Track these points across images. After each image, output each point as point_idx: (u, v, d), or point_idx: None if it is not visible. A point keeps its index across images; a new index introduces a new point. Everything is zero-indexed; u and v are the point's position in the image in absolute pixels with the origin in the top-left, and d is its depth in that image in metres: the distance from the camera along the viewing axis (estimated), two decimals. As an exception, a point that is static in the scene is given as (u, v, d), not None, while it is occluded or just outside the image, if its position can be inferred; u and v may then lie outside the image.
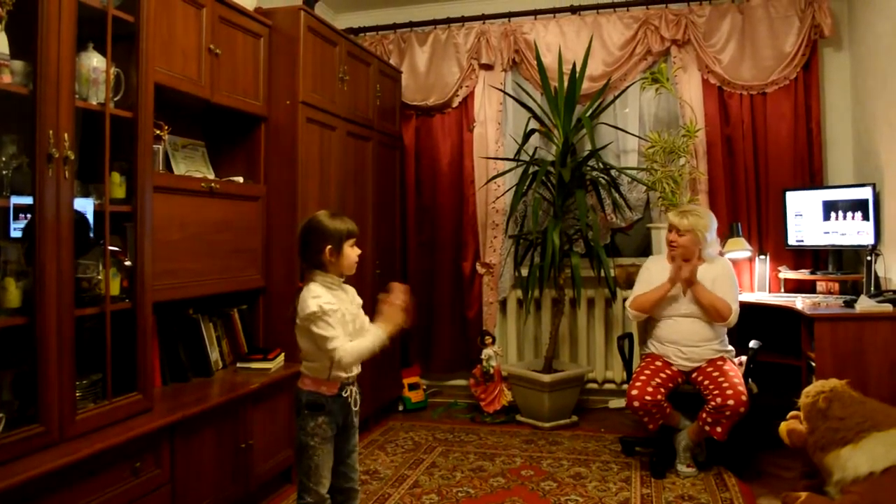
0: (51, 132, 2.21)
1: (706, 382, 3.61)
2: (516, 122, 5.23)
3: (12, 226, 2.26)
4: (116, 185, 2.60)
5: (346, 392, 2.53)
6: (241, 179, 3.59)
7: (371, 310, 2.62)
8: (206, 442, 2.88)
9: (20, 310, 2.20)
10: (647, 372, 3.69)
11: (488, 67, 5.23)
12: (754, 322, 4.15)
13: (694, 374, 3.72)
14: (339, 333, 2.41)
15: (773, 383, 4.09)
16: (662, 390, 3.62)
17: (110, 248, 2.61)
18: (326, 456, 2.48)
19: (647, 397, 3.56)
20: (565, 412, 4.67)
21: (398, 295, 2.55)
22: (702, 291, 3.72)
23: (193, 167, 3.50)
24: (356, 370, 2.56)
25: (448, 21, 5.30)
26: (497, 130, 5.21)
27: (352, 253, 2.53)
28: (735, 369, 3.66)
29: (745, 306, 3.90)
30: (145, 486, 2.52)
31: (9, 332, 2.20)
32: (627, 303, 3.97)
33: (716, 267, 3.83)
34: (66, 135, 2.26)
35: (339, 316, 2.44)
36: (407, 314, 2.54)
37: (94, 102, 2.50)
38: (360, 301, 2.64)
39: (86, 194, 2.52)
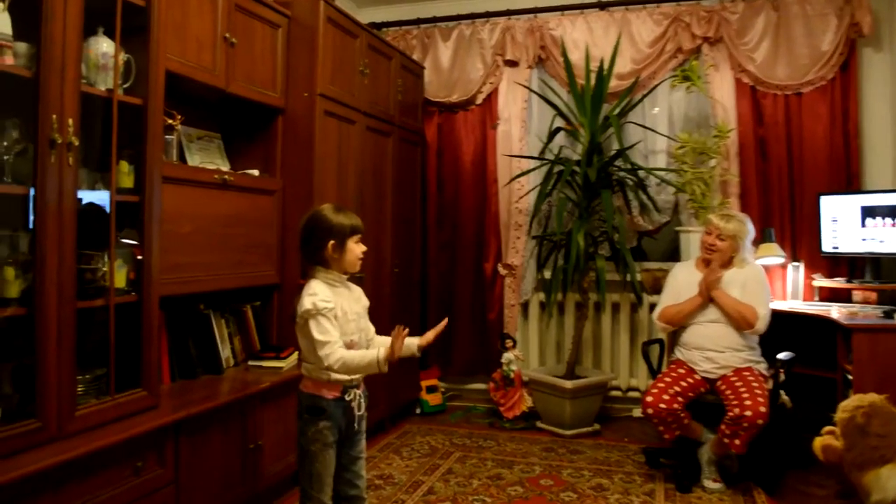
0: (54, 117, 2.13)
1: (728, 392, 3.46)
2: (541, 121, 5.09)
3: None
4: (125, 174, 2.51)
5: (349, 395, 2.41)
6: (256, 172, 3.51)
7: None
8: (213, 441, 2.78)
9: (20, 300, 2.12)
10: (667, 379, 3.57)
11: (513, 64, 5.11)
12: (786, 332, 3.98)
13: (718, 383, 3.57)
14: (334, 337, 2.28)
15: (806, 396, 3.92)
16: (680, 399, 3.48)
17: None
18: (328, 462, 2.37)
19: (662, 405, 3.43)
20: (587, 420, 4.53)
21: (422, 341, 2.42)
22: (724, 298, 3.59)
23: (208, 159, 3.42)
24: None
25: (472, 16, 5.19)
26: (521, 129, 5.09)
27: (356, 249, 2.41)
28: (760, 381, 3.48)
29: (776, 315, 3.74)
30: (147, 486, 2.44)
31: (8, 323, 2.13)
32: (655, 315, 3.85)
33: (746, 271, 3.69)
34: (70, 120, 2.18)
35: (339, 314, 2.33)
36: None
37: (103, 88, 2.42)
38: (366, 302, 2.52)
39: (93, 183, 2.44)
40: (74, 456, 2.11)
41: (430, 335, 2.43)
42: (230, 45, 3.18)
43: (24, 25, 2.13)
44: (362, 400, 2.48)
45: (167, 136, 3.05)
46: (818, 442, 2.98)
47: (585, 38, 4.90)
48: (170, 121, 2.99)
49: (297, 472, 3.35)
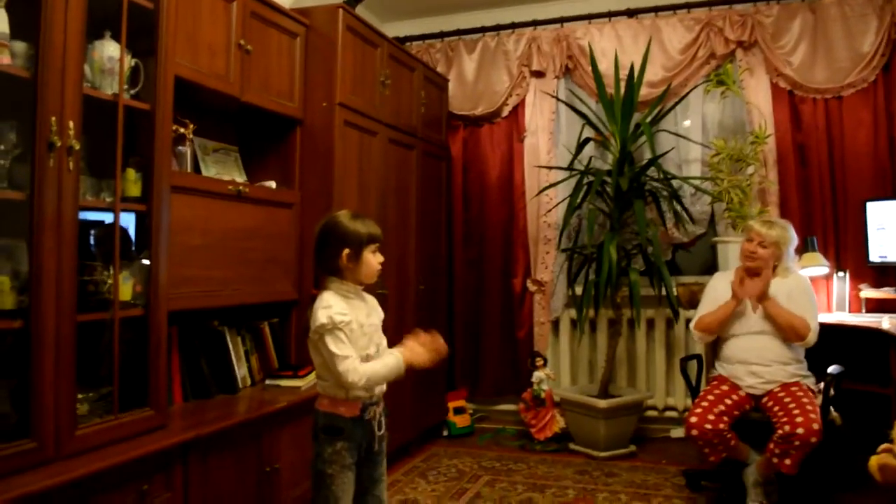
0: (53, 119, 2.03)
1: (776, 408, 3.22)
2: (569, 132, 4.95)
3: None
4: (131, 182, 2.41)
5: (368, 414, 2.26)
6: (273, 184, 3.40)
7: (409, 333, 2.36)
8: (226, 464, 2.63)
9: (17, 312, 2.01)
10: (711, 397, 3.33)
11: (540, 75, 4.98)
12: (833, 345, 3.74)
13: (764, 399, 3.34)
14: (351, 352, 2.15)
15: (858, 413, 3.67)
16: (726, 418, 3.25)
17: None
18: (346, 486, 2.22)
19: (708, 426, 3.20)
20: (622, 441, 4.32)
21: (432, 343, 2.30)
22: (776, 309, 3.36)
23: (224, 171, 3.32)
24: (380, 388, 2.29)
25: (497, 28, 5.08)
26: (549, 140, 4.94)
27: (373, 260, 2.27)
28: (811, 396, 3.26)
29: (822, 328, 3.50)
30: (153, 511, 2.30)
31: (7, 337, 2.02)
32: (692, 324, 3.64)
33: (790, 281, 3.47)
34: (70, 122, 2.08)
35: (355, 327, 2.19)
36: (433, 359, 2.29)
37: (109, 93, 2.33)
38: (381, 314, 2.39)
39: (98, 191, 2.34)
40: (71, 478, 1.97)
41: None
42: (245, 53, 3.08)
43: (23, 24, 2.04)
44: (382, 418, 2.33)
45: (181, 148, 2.96)
46: (875, 461, 2.73)
47: (614, 47, 4.75)
48: (181, 129, 2.89)
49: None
